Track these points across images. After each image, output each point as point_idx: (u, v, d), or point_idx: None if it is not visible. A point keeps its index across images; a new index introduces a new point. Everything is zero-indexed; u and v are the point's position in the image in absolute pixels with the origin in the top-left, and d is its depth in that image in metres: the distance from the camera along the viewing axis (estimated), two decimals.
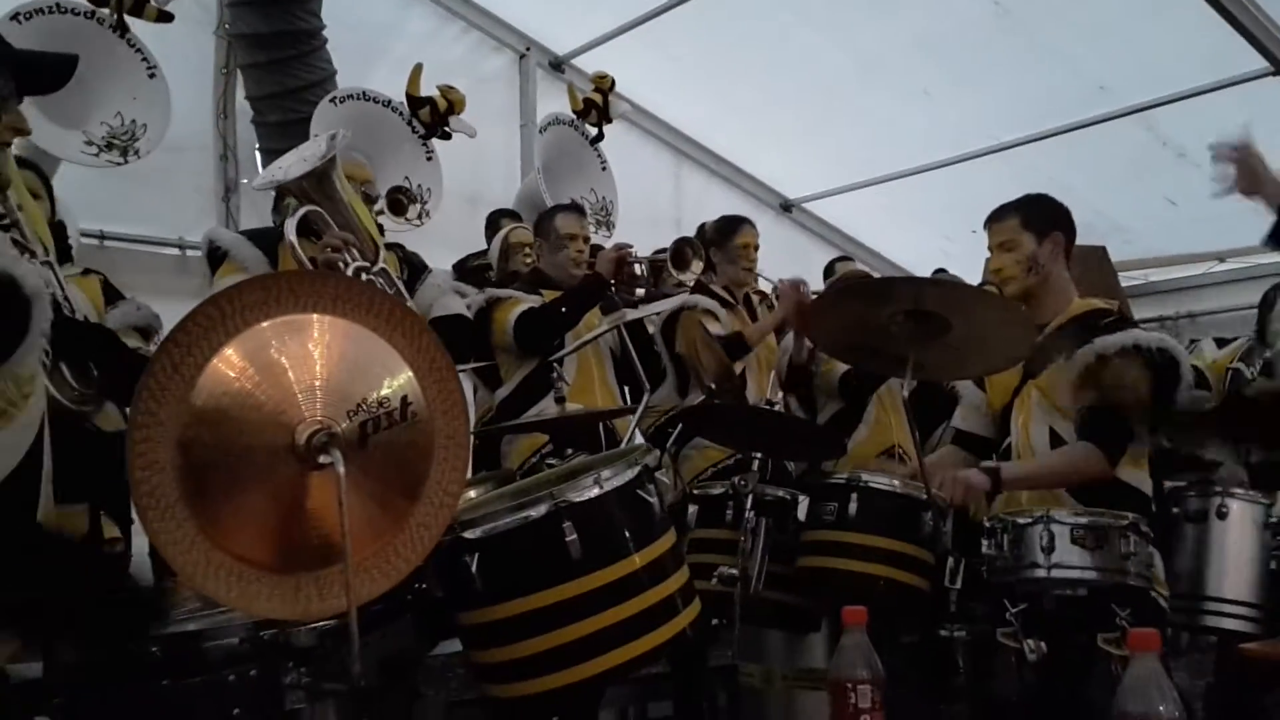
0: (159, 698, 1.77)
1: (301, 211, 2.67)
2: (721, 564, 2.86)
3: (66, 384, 2.38)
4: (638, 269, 4.03)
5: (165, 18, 4.12)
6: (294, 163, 2.88)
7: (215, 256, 2.90)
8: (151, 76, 4.14)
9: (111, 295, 3.11)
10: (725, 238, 4.16)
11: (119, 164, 4.02)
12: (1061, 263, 2.88)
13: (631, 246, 3.84)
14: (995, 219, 2.89)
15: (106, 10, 3.95)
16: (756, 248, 4.16)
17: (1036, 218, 2.86)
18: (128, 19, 4.00)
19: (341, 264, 2.67)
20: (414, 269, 3.22)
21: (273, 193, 3.43)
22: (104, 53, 3.97)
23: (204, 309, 1.61)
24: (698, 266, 4.05)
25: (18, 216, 2.26)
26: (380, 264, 2.78)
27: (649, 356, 3.70)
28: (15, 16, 3.69)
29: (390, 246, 3.21)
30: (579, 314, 3.60)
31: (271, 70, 4.68)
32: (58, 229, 2.95)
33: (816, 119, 6.38)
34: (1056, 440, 2.76)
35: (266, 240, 3.02)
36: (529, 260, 4.17)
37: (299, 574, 1.66)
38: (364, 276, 2.70)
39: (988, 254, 2.96)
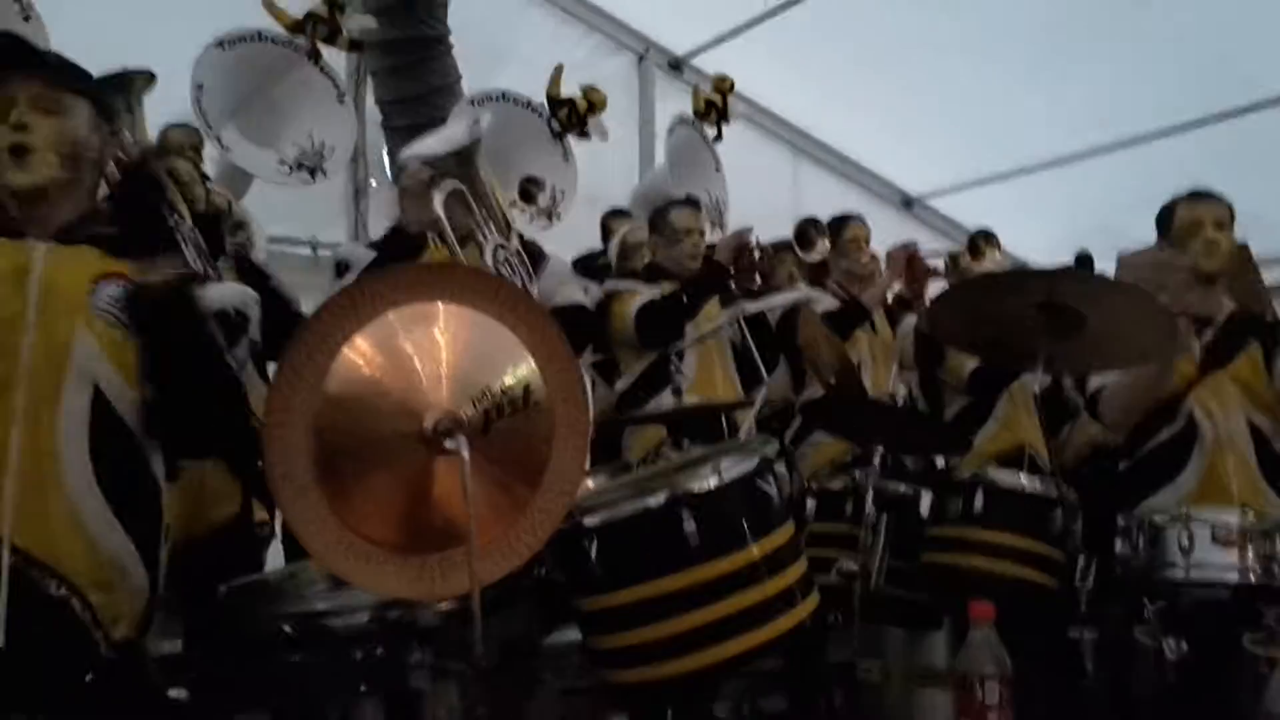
0: (289, 673, 1.84)
1: (449, 186, 2.74)
2: (841, 559, 2.83)
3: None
4: (757, 255, 4.01)
5: (356, 46, 4.32)
6: (439, 141, 2.96)
7: (340, 272, 3.04)
8: (341, 101, 4.31)
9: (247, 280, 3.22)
10: (835, 234, 4.25)
11: (308, 183, 4.20)
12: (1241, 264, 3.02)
13: (751, 229, 3.85)
14: (1209, 197, 2.96)
15: (303, 38, 4.13)
16: (868, 240, 4.22)
17: (1235, 215, 2.97)
18: (321, 46, 4.18)
19: (482, 237, 2.74)
20: (532, 257, 3.28)
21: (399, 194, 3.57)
22: (298, 78, 4.15)
23: (337, 299, 1.67)
24: (824, 246, 4.01)
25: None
26: (514, 245, 2.84)
27: (768, 348, 3.66)
28: (220, 44, 3.87)
29: None
30: (699, 303, 3.60)
31: (400, 75, 4.80)
32: (210, 219, 3.09)
33: (938, 112, 6.24)
34: (1256, 432, 2.79)
35: (381, 241, 3.11)
36: (646, 260, 4.20)
37: (424, 555, 1.70)
38: (501, 254, 2.77)
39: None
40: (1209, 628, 2.29)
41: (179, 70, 3.75)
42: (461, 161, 2.86)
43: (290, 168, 4.06)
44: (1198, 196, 2.94)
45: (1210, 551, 2.33)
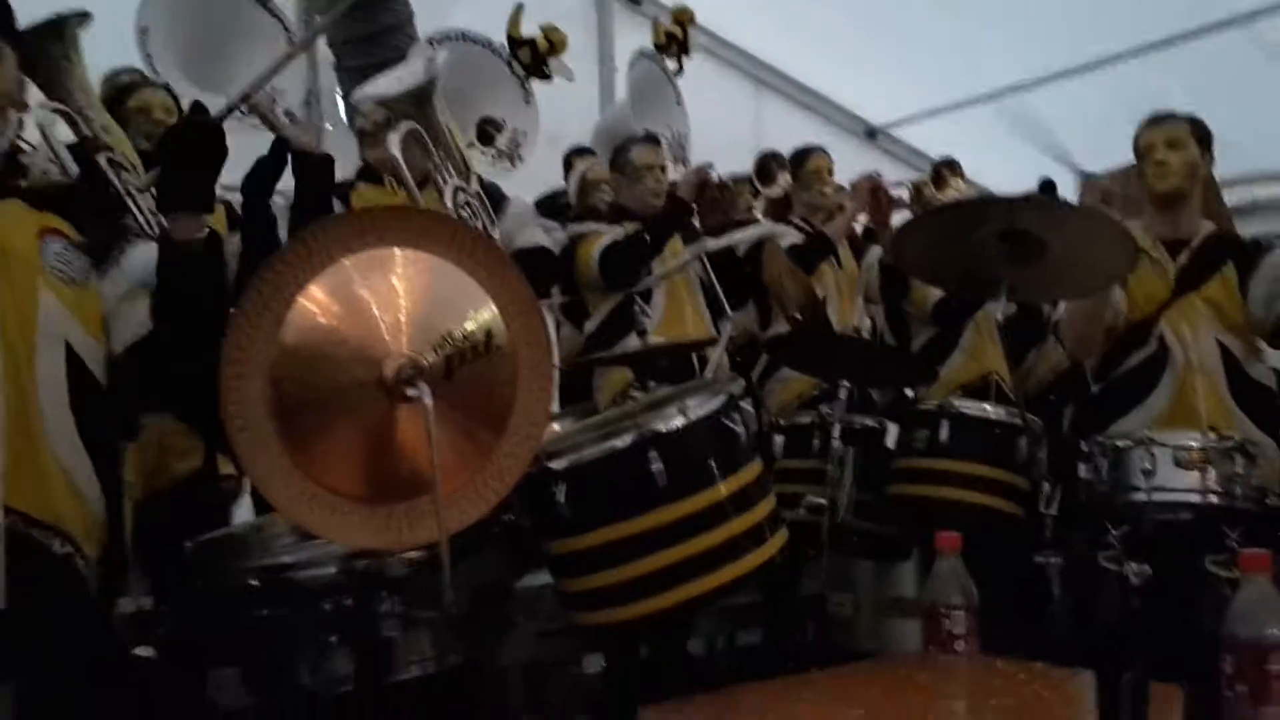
0: (258, 627, 1.83)
1: (405, 127, 2.69)
2: (809, 494, 2.84)
3: None
4: (719, 191, 3.97)
5: None
6: (392, 81, 2.90)
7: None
8: (291, 43, 4.20)
9: (234, 221, 3.17)
10: (798, 166, 4.20)
11: (258, 129, 4.10)
12: (1202, 185, 2.95)
13: (711, 165, 3.82)
14: (1164, 119, 2.94)
15: None
16: (831, 172, 4.19)
17: (1202, 133, 2.93)
18: None
19: (441, 180, 2.70)
20: (492, 199, 3.23)
21: (356, 137, 3.49)
22: (246, 21, 4.02)
23: (291, 247, 1.64)
24: (785, 179, 3.97)
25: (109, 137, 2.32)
26: (474, 187, 2.80)
27: (737, 284, 3.63)
28: None
29: None
30: (662, 241, 3.57)
31: (350, 16, 4.68)
32: None
33: (900, 40, 6.17)
34: (1226, 353, 2.80)
35: (339, 189, 3.06)
36: (607, 198, 4.16)
37: (390, 505, 1.69)
38: (461, 196, 2.73)
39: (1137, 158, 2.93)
40: (1172, 551, 2.32)
41: (124, 12, 3.65)
42: (418, 102, 2.80)
43: (242, 112, 3.97)
44: (1152, 120, 2.94)
45: (1172, 474, 2.36)
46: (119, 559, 1.89)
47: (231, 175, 3.71)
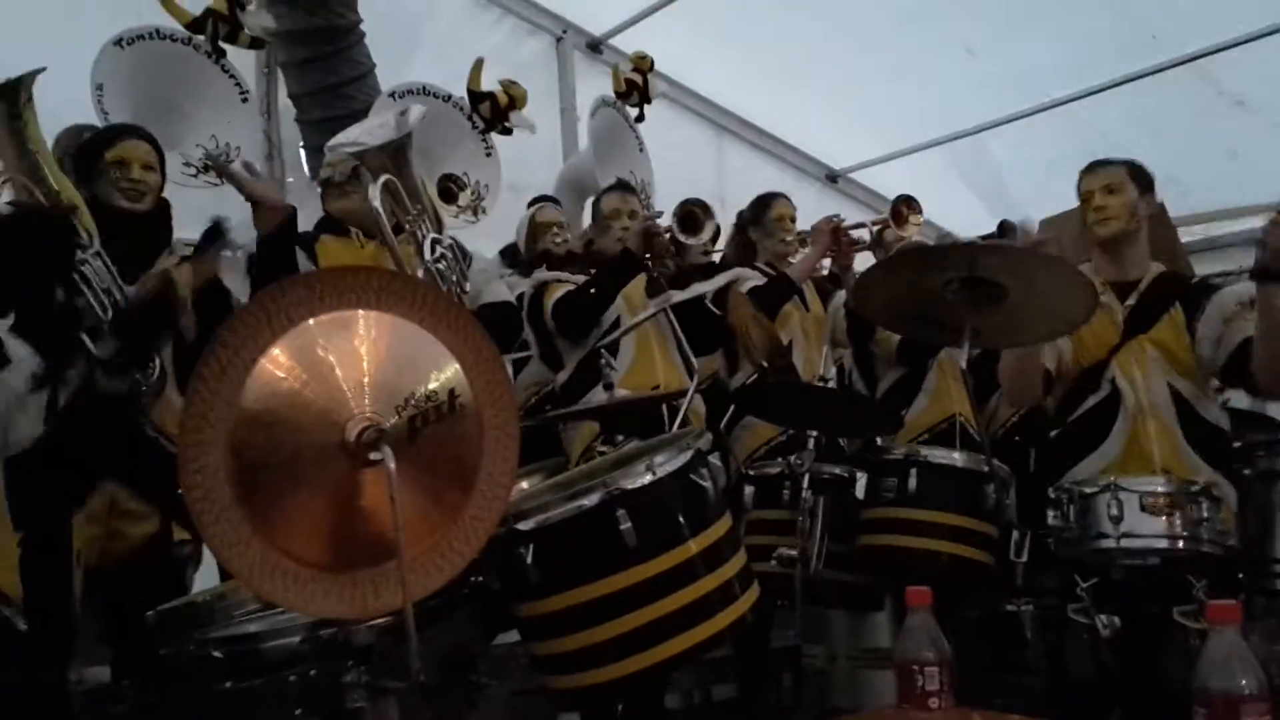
0: (221, 700, 1.78)
1: (383, 179, 2.68)
2: (780, 545, 2.83)
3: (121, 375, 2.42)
4: (668, 238, 3.96)
5: (258, 44, 4.22)
6: (360, 133, 2.89)
7: (250, 268, 2.96)
8: (244, 101, 4.23)
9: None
10: (760, 213, 4.19)
11: (216, 184, 4.10)
12: (1146, 226, 2.98)
13: (658, 215, 3.83)
14: (1101, 165, 2.99)
15: (202, 37, 4.02)
16: (794, 219, 4.19)
17: (1140, 175, 2.97)
18: (223, 45, 4.09)
19: (419, 233, 2.69)
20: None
21: (319, 190, 3.48)
22: (199, 78, 4.07)
23: (249, 310, 1.61)
24: (710, 228, 3.94)
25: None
26: (448, 239, 2.80)
27: (706, 326, 3.61)
28: (119, 42, 3.80)
29: None
30: (610, 292, 3.53)
31: (312, 67, 4.67)
32: (164, 208, 2.98)
33: (859, 86, 6.25)
34: (1176, 396, 2.81)
35: (303, 241, 3.05)
36: (559, 240, 4.16)
37: (355, 572, 1.66)
38: (438, 249, 2.72)
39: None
40: (1141, 600, 2.32)
41: (80, 69, 3.64)
42: (394, 155, 2.79)
43: (197, 170, 3.97)
44: (1090, 167, 2.99)
45: (1139, 520, 2.37)
46: (67, 627, 1.84)
47: (188, 233, 3.72)
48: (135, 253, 2.70)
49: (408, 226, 2.75)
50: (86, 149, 2.86)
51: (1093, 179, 2.96)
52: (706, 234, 3.52)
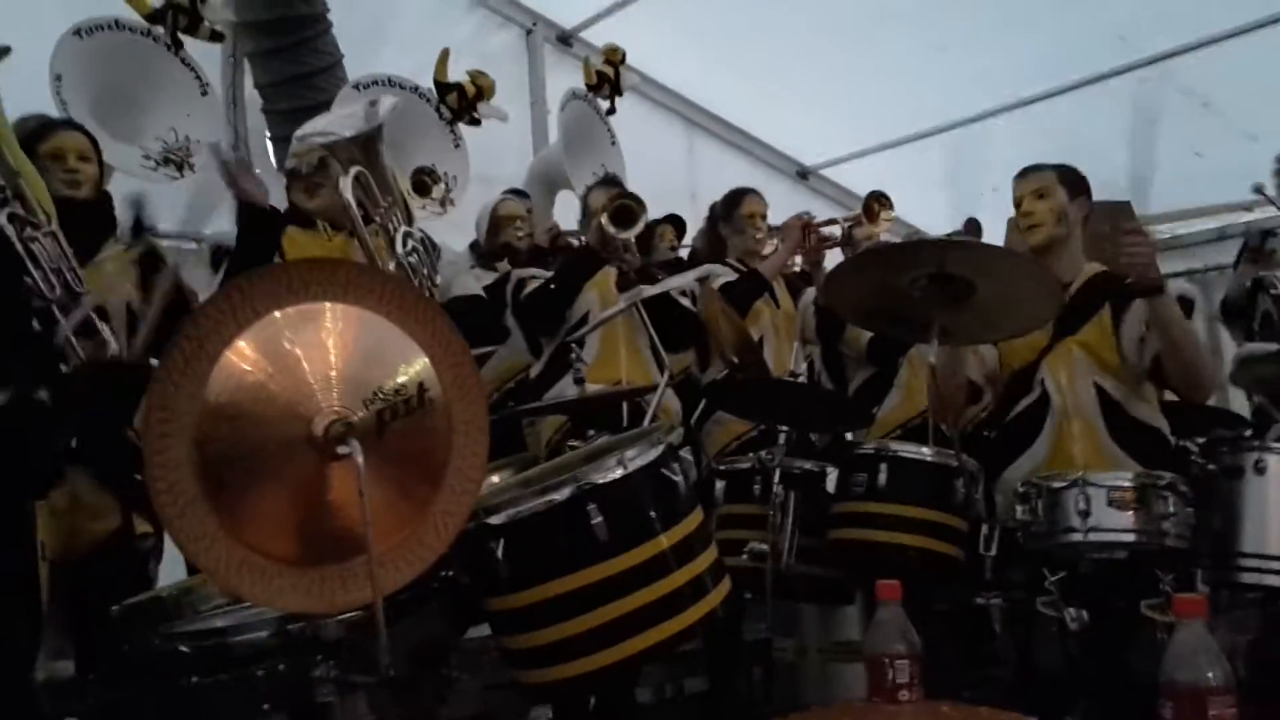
0: (188, 695, 1.76)
1: (354, 171, 2.65)
2: (751, 539, 2.83)
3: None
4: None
5: (218, 37, 4.20)
6: (329, 124, 2.86)
7: (217, 259, 2.93)
8: (204, 94, 4.22)
9: (156, 264, 3.09)
10: (731, 209, 4.19)
11: (175, 178, 4.08)
12: (1080, 228, 2.98)
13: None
14: (1032, 170, 3.00)
15: (161, 29, 3.98)
16: (764, 216, 4.19)
17: (1070, 178, 2.98)
18: (182, 37, 4.07)
19: (391, 225, 2.66)
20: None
21: (283, 180, 3.44)
22: (159, 70, 4.07)
23: (215, 302, 1.60)
24: (642, 223, 3.91)
25: (19, 185, 2.24)
26: (419, 232, 2.78)
27: (676, 320, 3.60)
28: (78, 32, 3.78)
29: None
30: (570, 288, 3.54)
31: (278, 57, 4.64)
32: (103, 198, 2.97)
33: (830, 83, 6.28)
34: (1104, 396, 2.81)
35: None
36: (520, 234, 4.15)
37: (323, 566, 1.65)
38: (409, 243, 2.70)
39: (1013, 210, 2.98)
40: (1108, 593, 2.35)
41: (39, 59, 3.59)
42: (364, 147, 2.76)
43: (156, 163, 3.93)
44: (1021, 173, 3.00)
45: (1107, 514, 2.39)
46: (34, 623, 1.81)
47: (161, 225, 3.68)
48: (78, 240, 2.68)
49: (379, 219, 2.72)
50: (22, 145, 2.84)
51: (1023, 184, 2.99)
52: (639, 228, 3.48)
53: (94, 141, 2.98)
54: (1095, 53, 5.75)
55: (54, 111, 3.48)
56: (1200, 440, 3.09)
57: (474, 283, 3.29)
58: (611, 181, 3.95)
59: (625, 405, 3.26)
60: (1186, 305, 2.87)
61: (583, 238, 3.92)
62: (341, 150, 2.79)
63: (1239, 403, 4.59)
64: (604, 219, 3.43)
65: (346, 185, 2.63)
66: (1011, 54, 5.88)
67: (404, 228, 2.74)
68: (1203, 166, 6.09)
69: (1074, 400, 2.82)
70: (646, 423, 2.88)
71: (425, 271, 2.77)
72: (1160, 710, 1.54)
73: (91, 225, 2.83)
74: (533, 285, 3.57)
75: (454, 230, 4.48)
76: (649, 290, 3.16)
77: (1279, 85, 5.41)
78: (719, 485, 3.13)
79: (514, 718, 2.68)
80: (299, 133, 3.10)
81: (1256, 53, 5.29)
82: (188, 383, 1.54)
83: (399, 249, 2.70)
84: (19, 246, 2.14)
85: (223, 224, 4.94)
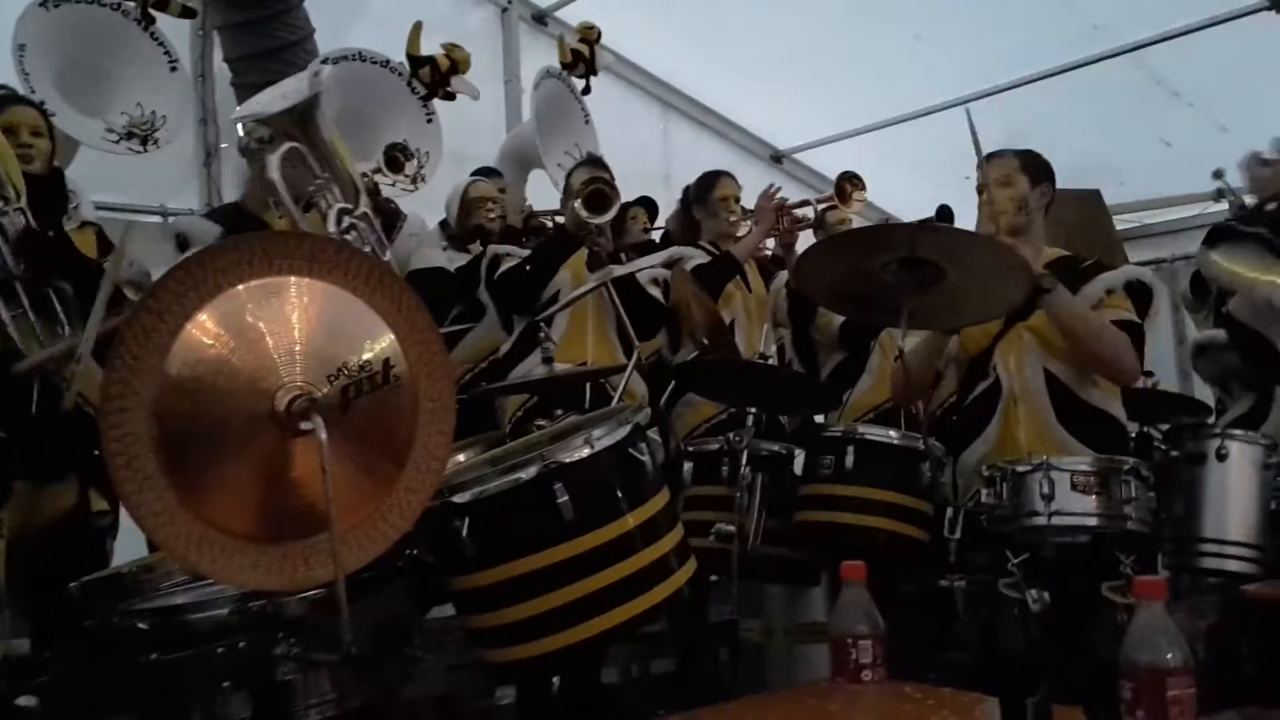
0: (147, 672, 1.74)
1: (284, 148, 2.60)
2: (719, 521, 2.83)
3: (35, 338, 2.35)
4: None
5: (189, 13, 4.14)
6: (274, 98, 2.80)
7: (181, 246, 2.91)
8: (174, 70, 4.15)
9: (106, 248, 3.07)
10: (705, 192, 4.19)
11: (139, 152, 4.04)
12: (1042, 214, 2.98)
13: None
14: (995, 156, 2.98)
15: (132, 3, 3.93)
16: (738, 199, 4.19)
17: (1032, 165, 2.98)
18: (152, 12, 4.01)
19: (323, 203, 2.62)
20: (386, 217, 3.16)
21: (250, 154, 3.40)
22: (127, 44, 4.00)
23: (176, 274, 1.57)
24: (616, 207, 3.88)
25: None
26: (362, 208, 2.72)
27: (645, 307, 3.59)
28: (44, 3, 3.71)
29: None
30: (545, 269, 3.52)
31: (249, 31, 4.57)
32: (56, 174, 2.95)
33: (805, 68, 6.27)
34: (1053, 381, 2.80)
35: (222, 214, 2.98)
36: (492, 216, 4.12)
37: (285, 543, 1.63)
38: (345, 220, 2.66)
39: (978, 195, 2.97)
40: (1070, 576, 2.36)
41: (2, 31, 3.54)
42: (301, 119, 2.71)
43: (120, 136, 3.88)
44: (986, 158, 2.97)
45: (1070, 498, 2.41)
46: None
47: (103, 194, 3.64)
48: (33, 214, 2.65)
49: (312, 196, 2.67)
50: None
51: (988, 170, 2.96)
52: (613, 213, 3.45)
53: (46, 117, 2.97)
54: (1069, 42, 5.77)
55: (16, 83, 3.42)
56: (1164, 427, 3.13)
57: (437, 255, 3.27)
58: (595, 163, 3.90)
59: (589, 386, 3.26)
60: (1144, 293, 2.87)
61: (558, 218, 3.89)
62: (277, 124, 2.74)
63: (1205, 391, 4.64)
64: (577, 204, 3.40)
65: (274, 164, 2.58)
66: (986, 43, 5.89)
67: (338, 205, 2.68)
68: (1171, 156, 6.14)
69: (1021, 385, 2.82)
70: (614, 404, 2.87)
71: (368, 250, 2.72)
72: (1120, 691, 1.56)
73: (44, 199, 2.80)
74: (508, 264, 3.54)
75: (426, 206, 4.45)
76: (618, 270, 3.15)
77: (1249, 77, 5.46)
78: (687, 466, 3.14)
79: (478, 697, 2.67)
80: (236, 112, 3.06)
81: (1228, 44, 5.32)
82: (147, 355, 1.51)
83: (331, 227, 2.64)
84: None
85: (189, 199, 4.91)
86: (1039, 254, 2.94)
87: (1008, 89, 6.17)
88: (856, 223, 4.54)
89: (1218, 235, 2.55)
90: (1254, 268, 2.35)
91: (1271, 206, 2.60)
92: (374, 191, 3.69)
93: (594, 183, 3.45)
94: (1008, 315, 2.84)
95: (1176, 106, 5.86)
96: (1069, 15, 5.58)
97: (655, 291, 3.63)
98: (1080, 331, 2.72)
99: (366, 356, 1.66)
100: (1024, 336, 2.86)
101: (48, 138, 2.93)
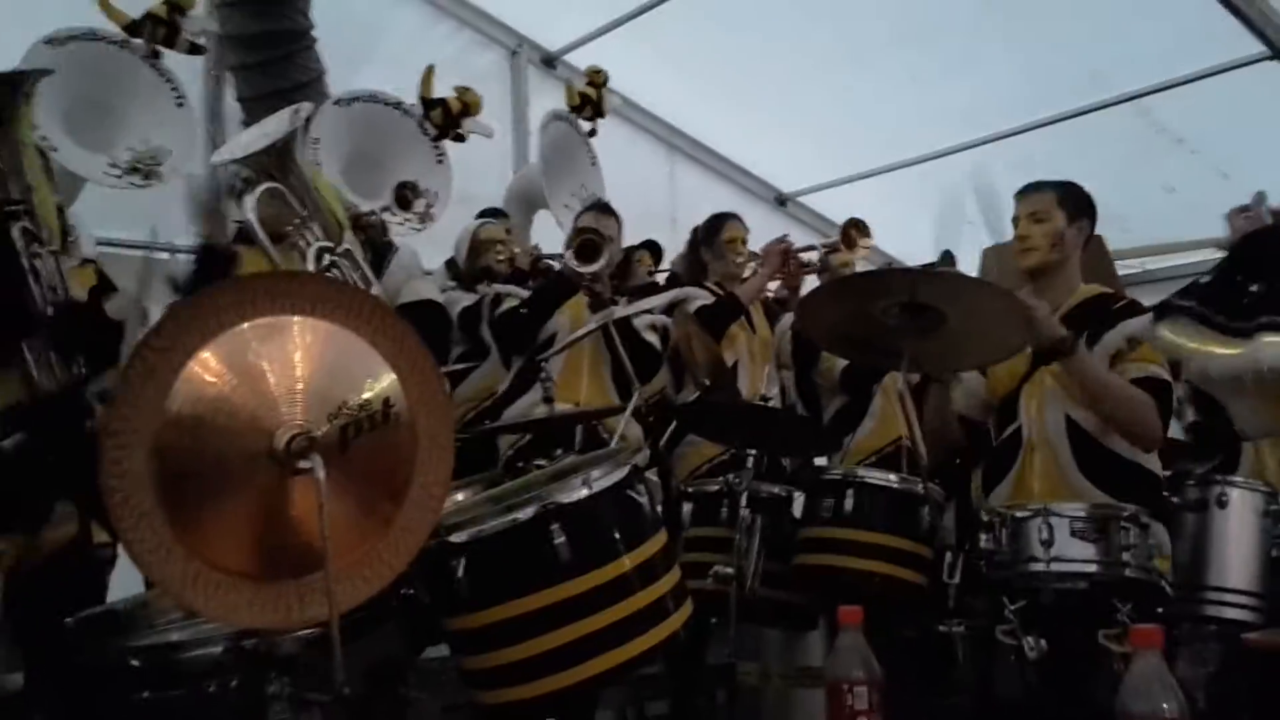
0: (139, 709, 1.74)
1: (263, 187, 2.62)
2: (717, 563, 2.83)
3: (51, 372, 2.36)
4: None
5: (197, 50, 4.16)
6: (255, 138, 2.81)
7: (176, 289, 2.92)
8: (179, 105, 4.16)
9: (105, 287, 3.07)
10: (713, 234, 4.24)
11: (141, 186, 4.04)
12: (1079, 251, 2.90)
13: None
14: (1032, 189, 2.90)
15: (139, 40, 3.97)
16: (745, 242, 4.23)
17: (1071, 199, 2.88)
18: (159, 49, 4.03)
19: (302, 242, 2.63)
20: (377, 250, 3.17)
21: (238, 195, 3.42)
22: (134, 80, 4.01)
23: (180, 311, 1.59)
24: (606, 257, 3.88)
25: (32, 201, 2.25)
26: (345, 245, 2.73)
27: (640, 353, 3.61)
28: (50, 41, 3.72)
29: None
30: (543, 312, 3.56)
31: (261, 72, 4.63)
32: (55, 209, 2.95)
33: (810, 112, 6.33)
34: (1073, 428, 2.74)
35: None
36: (501, 258, 4.15)
37: (280, 582, 1.63)
38: (326, 257, 2.66)
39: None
40: (1068, 623, 2.35)
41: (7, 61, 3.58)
42: (279, 157, 2.71)
43: (123, 171, 3.91)
44: (1022, 191, 2.90)
45: (1069, 544, 2.39)
46: None
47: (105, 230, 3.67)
48: None
49: (290, 235, 2.67)
50: None
51: (1020, 205, 2.89)
52: (602, 263, 3.47)
53: (44, 156, 2.96)
54: (1070, 89, 5.82)
55: None
56: (1166, 473, 3.12)
57: (429, 288, 3.28)
58: (601, 207, 3.94)
59: (581, 428, 3.26)
60: None
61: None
62: (254, 164, 2.74)
63: None
64: (568, 254, 3.44)
65: (250, 204, 2.59)
66: (988, 88, 5.95)
67: (318, 243, 2.68)
68: (1174, 202, 6.17)
69: (1040, 433, 2.77)
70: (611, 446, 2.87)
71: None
72: None
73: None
74: (508, 304, 3.57)
75: (432, 246, 4.48)
76: (621, 310, 3.16)
77: (1251, 124, 5.50)
78: (686, 508, 3.13)
79: None
80: (215, 156, 3.06)
81: (1229, 92, 5.36)
82: (149, 392, 1.53)
83: (311, 265, 2.64)
84: (24, 260, 2.14)
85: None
86: (1071, 292, 2.87)
87: (1011, 135, 6.22)
88: (860, 266, 4.56)
89: (1160, 311, 2.54)
90: (1193, 338, 2.34)
91: (1206, 279, 2.59)
92: (382, 228, 3.72)
93: (584, 233, 3.48)
94: (1033, 357, 2.77)
95: (1179, 154, 5.90)
96: (1073, 63, 5.63)
97: (652, 337, 3.65)
98: (1101, 398, 2.65)
99: (367, 395, 1.67)
100: (1046, 381, 2.78)
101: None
